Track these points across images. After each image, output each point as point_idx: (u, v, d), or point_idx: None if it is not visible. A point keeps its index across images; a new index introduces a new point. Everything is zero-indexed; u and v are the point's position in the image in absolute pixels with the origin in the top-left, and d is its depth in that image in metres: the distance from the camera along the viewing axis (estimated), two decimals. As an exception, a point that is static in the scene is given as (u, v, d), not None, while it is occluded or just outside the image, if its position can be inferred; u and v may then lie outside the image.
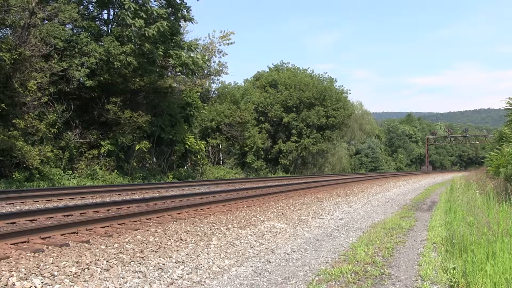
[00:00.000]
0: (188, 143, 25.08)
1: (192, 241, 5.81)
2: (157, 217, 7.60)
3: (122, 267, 4.43)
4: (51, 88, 17.13)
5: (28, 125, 16.02)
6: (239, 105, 35.71)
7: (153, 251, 5.15)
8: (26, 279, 3.85)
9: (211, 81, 37.51)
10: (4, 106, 14.99)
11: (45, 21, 17.84)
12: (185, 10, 22.19)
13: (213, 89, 37.98)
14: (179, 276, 4.38)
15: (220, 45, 35.86)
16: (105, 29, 21.89)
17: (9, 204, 9.25)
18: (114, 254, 4.85)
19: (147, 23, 19.72)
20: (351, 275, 4.44)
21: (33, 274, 3.97)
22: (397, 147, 79.72)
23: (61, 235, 5.73)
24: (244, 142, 35.59)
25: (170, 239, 5.81)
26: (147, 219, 7.34)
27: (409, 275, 4.52)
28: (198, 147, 26.21)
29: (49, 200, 10.15)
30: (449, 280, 4.19)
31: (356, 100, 78.61)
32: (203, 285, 4.19)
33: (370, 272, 4.55)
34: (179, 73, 24.91)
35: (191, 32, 59.55)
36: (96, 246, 5.20)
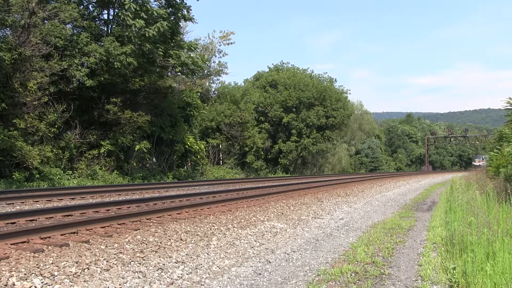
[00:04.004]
0: (188, 143, 25.08)
1: (192, 241, 5.81)
2: (157, 217, 7.60)
3: (122, 267, 4.43)
4: (51, 88, 17.12)
5: (28, 125, 16.01)
6: (239, 105, 35.71)
7: (153, 251, 5.15)
8: (26, 279, 3.85)
9: (211, 81, 37.56)
10: (4, 106, 14.99)
11: (45, 21, 17.84)
12: (185, 10, 22.18)
13: (213, 89, 38.02)
14: (179, 276, 4.38)
15: (220, 45, 35.92)
16: (105, 29, 21.89)
17: (9, 204, 9.25)
18: (114, 254, 4.85)
19: (147, 23, 19.72)
20: (351, 275, 4.44)
21: (33, 274, 3.97)
22: (397, 147, 79.70)
23: (61, 235, 5.73)
24: (244, 142, 35.58)
25: (170, 239, 5.80)
26: (147, 219, 7.34)
27: (409, 275, 4.52)
28: (198, 147, 26.21)
29: (49, 200, 10.15)
30: (449, 280, 4.19)
31: (356, 100, 78.58)
32: (203, 285, 4.19)
33: (370, 272, 4.55)
34: (179, 73, 24.92)
35: (191, 32, 59.58)
36: (96, 246, 5.20)
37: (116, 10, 21.29)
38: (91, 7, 21.53)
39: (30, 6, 15.99)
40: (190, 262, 4.87)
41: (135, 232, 6.17)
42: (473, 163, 77.48)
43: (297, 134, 39.68)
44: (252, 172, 36.12)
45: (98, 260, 4.56)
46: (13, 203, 9.31)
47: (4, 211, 7.83)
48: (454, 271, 4.25)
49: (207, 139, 31.78)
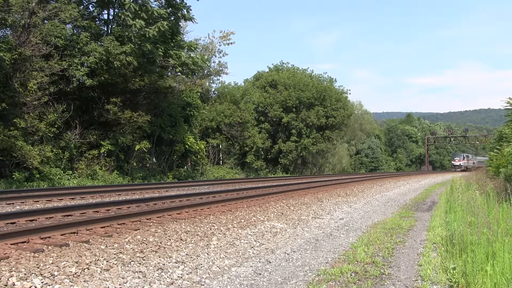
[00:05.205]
0: (188, 143, 25.08)
1: (192, 241, 5.82)
2: (157, 217, 7.60)
3: (122, 267, 4.43)
4: (51, 88, 17.12)
5: (28, 125, 16.01)
6: (239, 105, 35.71)
7: (153, 251, 5.15)
8: (26, 279, 3.85)
9: (211, 81, 37.57)
10: (4, 105, 14.98)
11: (45, 21, 17.84)
12: (185, 10, 22.18)
13: (213, 89, 38.04)
14: (179, 276, 4.38)
15: (220, 45, 35.93)
16: (105, 29, 21.89)
17: (9, 204, 9.25)
18: (114, 254, 4.85)
19: (147, 23, 19.71)
20: (351, 275, 4.44)
21: (33, 274, 3.97)
22: (397, 147, 79.69)
23: (61, 235, 5.73)
24: (244, 142, 35.58)
25: (170, 239, 5.80)
26: (147, 219, 7.34)
27: (409, 275, 4.52)
28: (198, 147, 26.21)
29: (49, 200, 10.15)
30: (449, 280, 4.20)
31: (356, 100, 78.78)
32: (203, 285, 4.19)
33: (370, 272, 4.55)
34: (179, 73, 24.92)
35: (191, 32, 59.65)
36: (96, 246, 5.20)
37: (116, 10, 21.29)
38: (91, 7, 21.53)
39: (30, 6, 15.99)
40: (190, 262, 4.87)
41: (135, 232, 6.17)
42: (452, 162, 68.86)
43: (297, 134, 39.69)
44: (252, 172, 36.11)
45: (98, 260, 4.56)
46: (13, 203, 9.32)
47: (4, 211, 7.83)
48: (454, 271, 4.25)
49: (207, 139, 31.79)
